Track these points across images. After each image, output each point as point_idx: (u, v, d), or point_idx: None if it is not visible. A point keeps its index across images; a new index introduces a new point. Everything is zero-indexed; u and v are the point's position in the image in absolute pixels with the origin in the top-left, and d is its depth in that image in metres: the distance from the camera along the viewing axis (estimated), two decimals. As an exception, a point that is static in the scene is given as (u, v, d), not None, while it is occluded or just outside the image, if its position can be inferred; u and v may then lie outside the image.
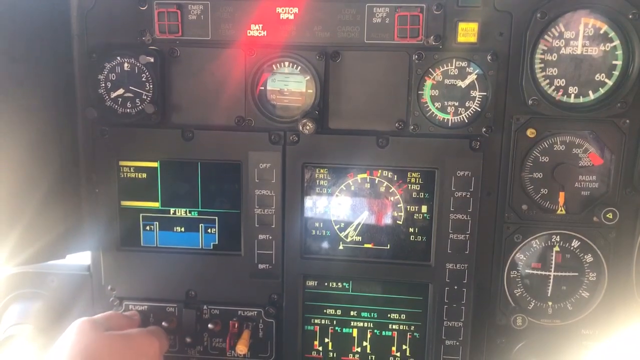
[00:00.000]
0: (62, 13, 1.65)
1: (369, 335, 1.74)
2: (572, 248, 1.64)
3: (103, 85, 1.66)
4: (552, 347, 1.67)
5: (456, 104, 1.59)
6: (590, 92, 1.54)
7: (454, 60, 1.57)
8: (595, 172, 1.60)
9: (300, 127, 1.55)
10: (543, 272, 1.67)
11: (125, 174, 1.72)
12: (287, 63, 1.62)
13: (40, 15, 1.58)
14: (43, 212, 1.62)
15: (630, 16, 1.46)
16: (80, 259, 1.82)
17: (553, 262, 1.66)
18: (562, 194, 1.61)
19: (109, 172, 1.71)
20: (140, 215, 1.74)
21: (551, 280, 1.66)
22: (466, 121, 1.60)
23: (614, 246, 1.62)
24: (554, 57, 1.53)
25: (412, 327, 1.72)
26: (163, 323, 1.70)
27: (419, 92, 1.60)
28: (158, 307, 1.75)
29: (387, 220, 1.68)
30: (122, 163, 1.71)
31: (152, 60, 1.61)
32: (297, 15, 1.59)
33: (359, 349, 1.75)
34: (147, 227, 1.75)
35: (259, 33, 1.61)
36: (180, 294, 1.76)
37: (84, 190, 1.74)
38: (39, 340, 1.76)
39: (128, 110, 1.66)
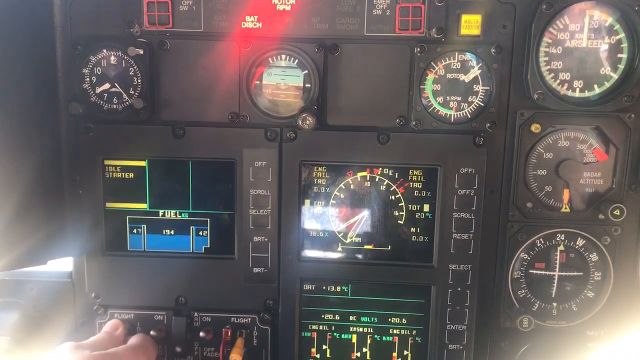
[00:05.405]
0: (43, 2, 1.56)
1: (368, 341, 1.68)
2: (576, 247, 1.61)
3: (88, 79, 1.59)
4: (557, 350, 1.63)
5: (459, 98, 1.55)
6: (595, 86, 1.51)
7: (456, 53, 1.53)
8: (600, 168, 1.57)
9: (300, 122, 1.49)
10: (547, 272, 1.63)
11: (110, 173, 1.64)
12: (283, 56, 1.56)
13: (20, 4, 1.49)
14: (22, 215, 1.53)
15: (637, 8, 1.44)
16: (62, 265, 1.73)
17: (557, 261, 1.62)
18: (566, 191, 1.58)
19: (93, 172, 1.63)
20: (127, 217, 1.67)
21: (555, 281, 1.63)
22: (469, 116, 1.56)
23: (619, 244, 1.59)
24: (559, 50, 1.50)
25: (414, 332, 1.66)
26: (151, 332, 1.63)
27: (421, 86, 1.55)
28: (146, 315, 1.67)
29: (388, 220, 1.62)
30: (107, 162, 1.64)
31: (141, 52, 1.54)
32: (294, 7, 1.53)
33: (358, 354, 1.68)
34: (134, 230, 1.67)
35: (254, 25, 1.55)
36: (170, 300, 1.67)
37: (66, 191, 1.66)
38: (16, 353, 1.65)
39: (114, 106, 1.60)
